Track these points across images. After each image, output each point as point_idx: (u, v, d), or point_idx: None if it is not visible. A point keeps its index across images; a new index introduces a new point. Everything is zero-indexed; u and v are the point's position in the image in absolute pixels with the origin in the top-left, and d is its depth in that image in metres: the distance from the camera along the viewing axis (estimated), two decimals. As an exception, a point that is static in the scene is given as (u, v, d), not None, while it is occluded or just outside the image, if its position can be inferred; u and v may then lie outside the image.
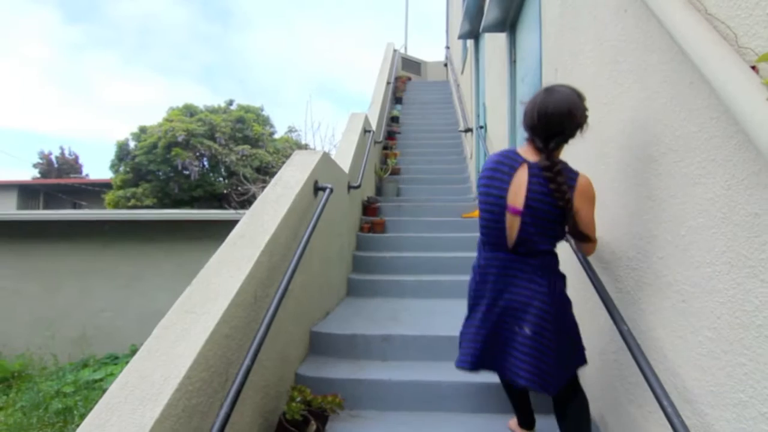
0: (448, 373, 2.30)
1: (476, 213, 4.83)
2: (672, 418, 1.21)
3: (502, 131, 3.97)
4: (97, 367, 5.33)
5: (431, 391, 2.24)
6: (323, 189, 2.71)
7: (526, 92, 3.34)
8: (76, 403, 4.36)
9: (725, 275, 1.14)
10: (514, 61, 3.77)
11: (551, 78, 2.56)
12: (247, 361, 1.43)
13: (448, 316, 2.98)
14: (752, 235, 1.04)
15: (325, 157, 3.00)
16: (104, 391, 4.76)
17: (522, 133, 3.58)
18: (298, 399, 1.82)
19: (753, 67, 1.02)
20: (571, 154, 2.24)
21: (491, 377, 1.87)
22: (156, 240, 6.64)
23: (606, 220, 1.82)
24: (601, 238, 1.84)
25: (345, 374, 2.33)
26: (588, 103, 1.89)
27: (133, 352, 5.82)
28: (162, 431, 1.15)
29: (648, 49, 1.49)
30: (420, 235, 4.39)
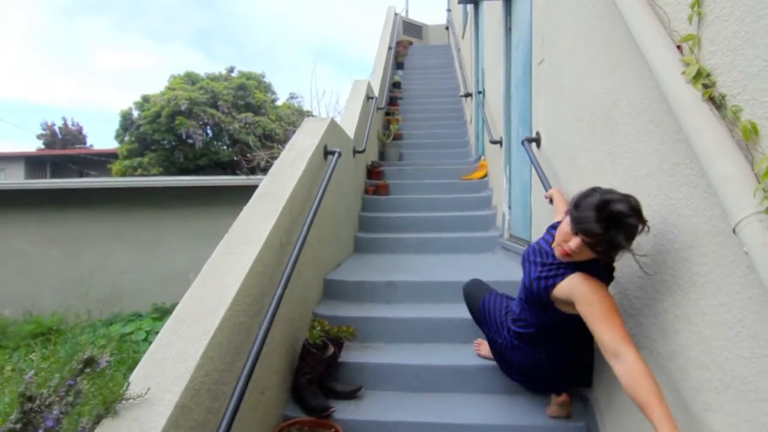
0: (445, 311, 2.67)
1: (474, 175, 5.11)
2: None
3: (499, 97, 4.19)
4: (125, 323, 5.78)
5: (429, 326, 2.60)
6: (332, 153, 2.99)
7: (520, 60, 3.55)
8: (111, 353, 4.81)
9: (657, 213, 1.44)
10: (510, 29, 3.95)
11: (539, 47, 2.79)
12: (279, 290, 1.78)
13: (446, 267, 3.33)
14: (674, 180, 1.34)
15: (333, 124, 3.27)
16: (135, 343, 5.19)
17: (516, 102, 3.79)
18: (318, 328, 2.18)
19: (678, 47, 1.29)
20: (553, 115, 2.51)
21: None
22: (172, 206, 6.97)
23: (577, 173, 2.12)
24: (571, 193, 2.14)
25: (355, 313, 2.70)
26: (567, 71, 2.14)
27: (156, 309, 6.31)
28: (221, 337, 1.50)
29: (612, 26, 1.74)
30: (421, 196, 4.68)
